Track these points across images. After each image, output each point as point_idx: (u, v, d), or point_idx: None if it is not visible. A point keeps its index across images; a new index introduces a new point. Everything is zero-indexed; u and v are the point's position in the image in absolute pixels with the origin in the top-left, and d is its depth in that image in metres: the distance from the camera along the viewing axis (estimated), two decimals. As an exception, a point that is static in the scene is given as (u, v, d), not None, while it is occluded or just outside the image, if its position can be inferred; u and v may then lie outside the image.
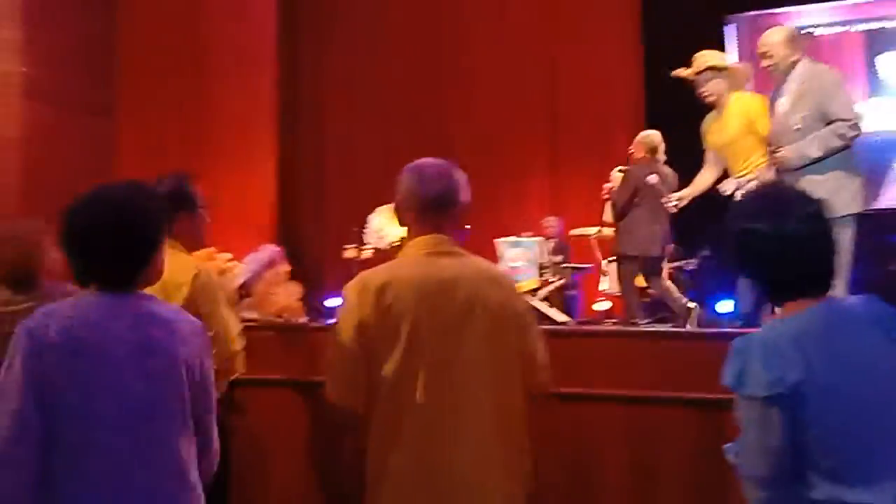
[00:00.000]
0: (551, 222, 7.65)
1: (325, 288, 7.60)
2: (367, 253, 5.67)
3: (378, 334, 2.06)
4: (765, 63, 4.08)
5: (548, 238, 7.15)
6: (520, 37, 8.99)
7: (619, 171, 5.47)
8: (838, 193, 3.65)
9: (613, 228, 5.55)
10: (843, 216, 3.55)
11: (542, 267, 6.07)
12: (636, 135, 5.93)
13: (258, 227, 7.14)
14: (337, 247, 6.82)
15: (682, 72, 4.65)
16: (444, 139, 8.86)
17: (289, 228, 8.28)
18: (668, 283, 4.92)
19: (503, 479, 2.05)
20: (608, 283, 6.41)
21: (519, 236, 6.45)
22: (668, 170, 5.24)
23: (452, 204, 2.18)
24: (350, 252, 5.85)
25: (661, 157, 5.24)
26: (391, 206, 5.70)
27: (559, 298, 6.67)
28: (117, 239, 1.83)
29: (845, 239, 3.58)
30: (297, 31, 9.25)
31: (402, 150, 8.81)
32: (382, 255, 5.65)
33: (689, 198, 4.77)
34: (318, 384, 3.54)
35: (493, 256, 6.60)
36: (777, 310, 1.79)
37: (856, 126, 3.77)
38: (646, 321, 5.10)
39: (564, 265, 6.41)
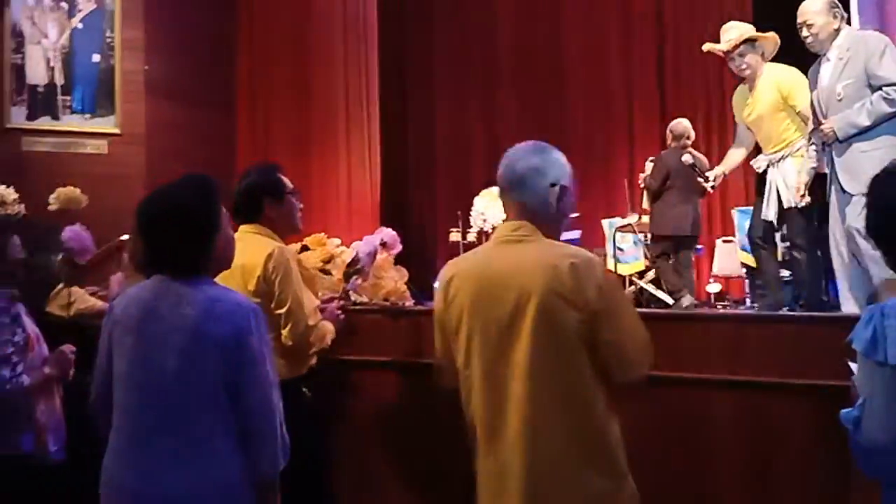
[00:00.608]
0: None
1: (433, 271, 7.72)
2: (471, 236, 5.71)
3: (447, 326, 2.14)
4: (804, 34, 3.90)
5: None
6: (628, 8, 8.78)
7: (651, 160, 5.42)
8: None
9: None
10: None
11: (647, 248, 5.96)
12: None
13: (365, 210, 7.30)
14: (445, 229, 6.91)
15: (715, 47, 4.52)
16: (556, 116, 8.81)
17: (396, 211, 8.42)
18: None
19: (578, 473, 1.97)
20: (719, 264, 6.24)
21: (625, 217, 6.35)
22: (698, 153, 5.18)
23: (535, 187, 2.09)
24: (455, 235, 5.90)
25: (688, 142, 5.18)
26: (495, 189, 5.74)
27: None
28: (165, 231, 2.06)
29: None
30: (404, 10, 9.35)
31: (514, 129, 8.87)
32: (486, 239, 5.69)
33: (723, 175, 4.70)
34: (424, 366, 3.62)
35: (601, 237, 6.54)
36: None
37: (893, 89, 3.55)
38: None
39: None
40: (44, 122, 5.93)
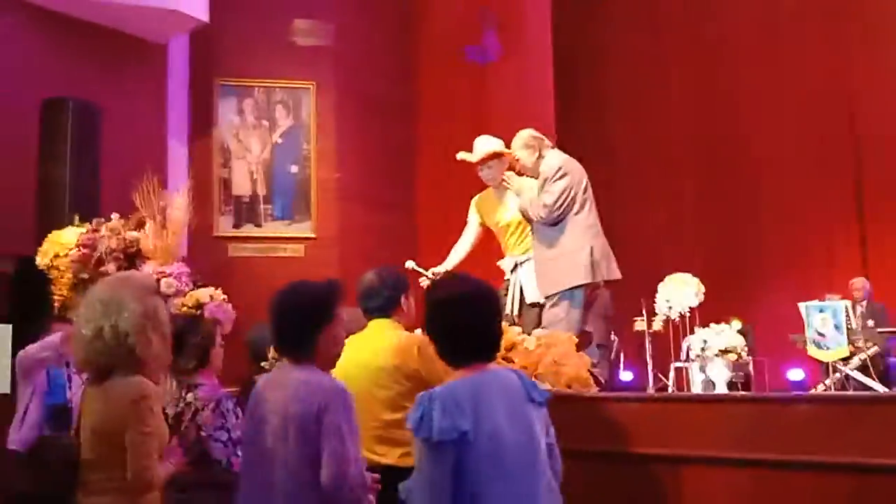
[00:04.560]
0: (860, 284, 7.00)
1: (616, 360, 7.53)
2: (656, 324, 5.55)
3: None
4: (517, 166, 4.61)
5: (856, 301, 6.53)
6: (811, 70, 8.43)
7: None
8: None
9: None
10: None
11: (851, 333, 5.54)
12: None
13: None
14: (629, 318, 6.77)
15: (466, 156, 4.90)
16: (742, 199, 8.53)
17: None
18: None
19: None
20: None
21: (823, 299, 5.96)
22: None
23: None
24: (640, 324, 5.77)
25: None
26: (681, 274, 5.58)
27: (879, 366, 6.03)
28: (277, 323, 2.36)
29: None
30: (580, 104, 9.51)
31: (697, 214, 8.66)
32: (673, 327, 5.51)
33: (446, 271, 4.90)
34: (604, 454, 3.53)
35: (798, 322, 6.16)
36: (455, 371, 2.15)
37: (543, 208, 4.35)
38: None
39: (880, 330, 5.79)
40: (248, 230, 6.49)
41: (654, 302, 5.68)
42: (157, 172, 5.45)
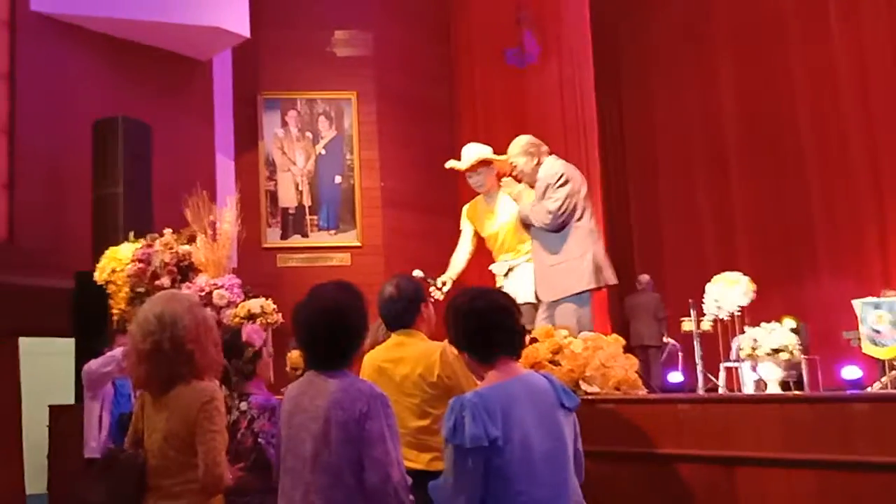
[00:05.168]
0: (917, 277, 6.84)
1: (663, 361, 7.48)
2: (705, 324, 5.49)
3: None
4: (514, 172, 4.63)
5: (914, 296, 6.37)
6: (862, 55, 8.21)
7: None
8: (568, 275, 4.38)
9: None
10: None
11: (909, 328, 5.42)
12: None
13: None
14: (676, 318, 6.71)
15: (455, 164, 4.91)
16: (792, 189, 8.38)
17: (624, 300, 8.30)
18: None
19: None
20: None
21: (880, 295, 5.83)
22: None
23: None
24: (687, 324, 5.70)
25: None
26: (729, 273, 5.50)
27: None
28: (323, 329, 2.33)
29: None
30: (622, 93, 9.44)
31: (741, 209, 8.53)
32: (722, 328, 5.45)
33: (450, 281, 4.91)
34: (662, 456, 3.52)
35: (852, 319, 6.05)
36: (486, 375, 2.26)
37: (547, 214, 4.39)
38: None
39: (939, 324, 5.64)
40: (295, 240, 6.59)
41: (702, 301, 5.63)
42: (206, 187, 5.58)
